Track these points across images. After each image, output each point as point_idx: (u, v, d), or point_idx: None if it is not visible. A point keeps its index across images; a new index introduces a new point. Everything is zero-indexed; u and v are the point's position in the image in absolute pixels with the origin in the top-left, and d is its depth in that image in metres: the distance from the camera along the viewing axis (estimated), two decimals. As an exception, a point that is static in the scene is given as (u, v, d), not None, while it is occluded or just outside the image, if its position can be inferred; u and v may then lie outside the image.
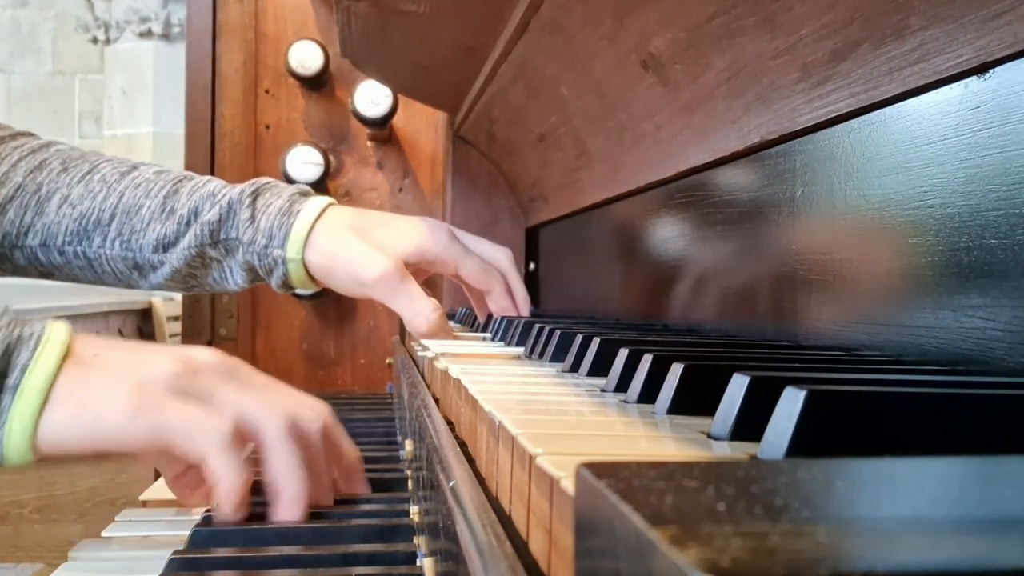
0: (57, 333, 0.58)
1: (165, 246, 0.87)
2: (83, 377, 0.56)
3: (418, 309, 0.82)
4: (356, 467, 0.66)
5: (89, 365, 0.57)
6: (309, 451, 0.60)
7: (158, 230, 0.87)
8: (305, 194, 0.89)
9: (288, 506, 0.58)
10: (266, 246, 0.86)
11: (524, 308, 0.91)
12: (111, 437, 0.55)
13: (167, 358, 0.59)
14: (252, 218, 0.86)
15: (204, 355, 0.61)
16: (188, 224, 0.86)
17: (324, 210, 0.86)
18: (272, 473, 0.58)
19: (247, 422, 0.58)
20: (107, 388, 0.56)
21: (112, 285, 0.93)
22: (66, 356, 0.57)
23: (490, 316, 0.90)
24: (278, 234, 0.85)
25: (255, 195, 0.87)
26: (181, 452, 0.57)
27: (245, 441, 0.57)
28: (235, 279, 0.89)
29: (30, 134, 0.94)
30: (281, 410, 0.59)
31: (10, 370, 0.55)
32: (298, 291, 0.89)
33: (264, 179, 0.90)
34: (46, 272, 0.91)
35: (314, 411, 0.63)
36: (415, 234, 0.87)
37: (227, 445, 0.56)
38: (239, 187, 0.88)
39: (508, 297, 0.89)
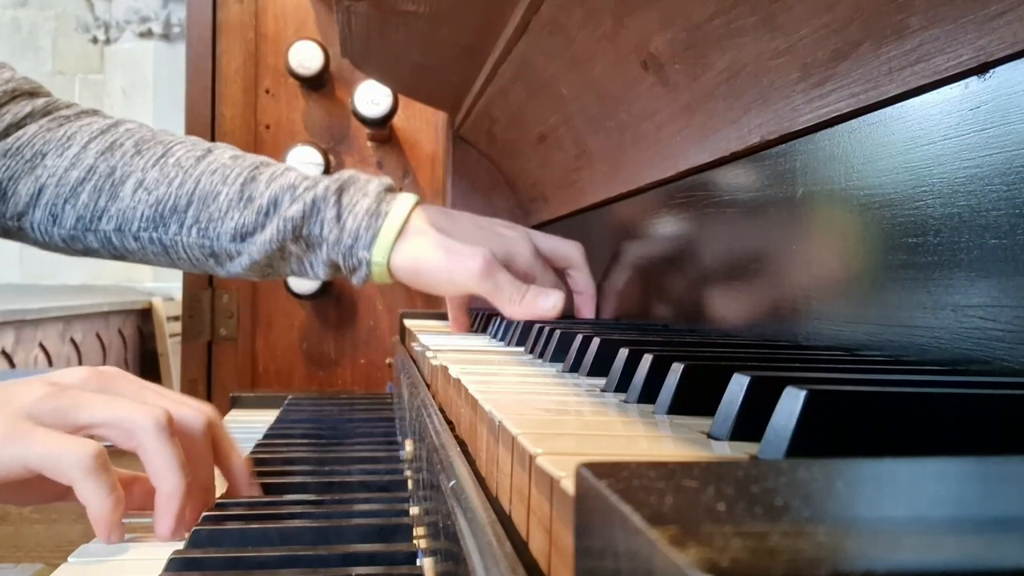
0: None
1: (243, 235, 0.86)
2: None
3: (526, 301, 0.81)
4: (243, 471, 0.66)
5: None
6: (191, 448, 0.60)
7: (236, 219, 0.85)
8: (391, 189, 0.88)
9: (164, 503, 0.58)
10: (352, 246, 0.85)
11: (590, 303, 0.91)
12: None
13: (34, 385, 0.59)
14: (338, 216, 0.85)
15: (72, 374, 0.61)
16: (267, 215, 0.85)
17: (411, 211, 0.85)
18: (149, 471, 0.58)
19: (117, 428, 0.58)
20: None
21: (188, 270, 0.93)
22: None
23: (490, 317, 0.90)
24: (365, 235, 0.84)
25: (340, 192, 0.86)
26: (51, 478, 0.57)
27: (108, 467, 0.57)
28: (316, 271, 0.88)
29: (95, 112, 0.93)
30: (152, 410, 0.58)
31: None
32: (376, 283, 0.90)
33: (348, 172, 0.89)
34: (118, 255, 0.91)
35: (196, 410, 0.63)
36: (504, 242, 0.86)
37: (91, 469, 0.55)
38: (323, 182, 0.86)
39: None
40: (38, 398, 0.58)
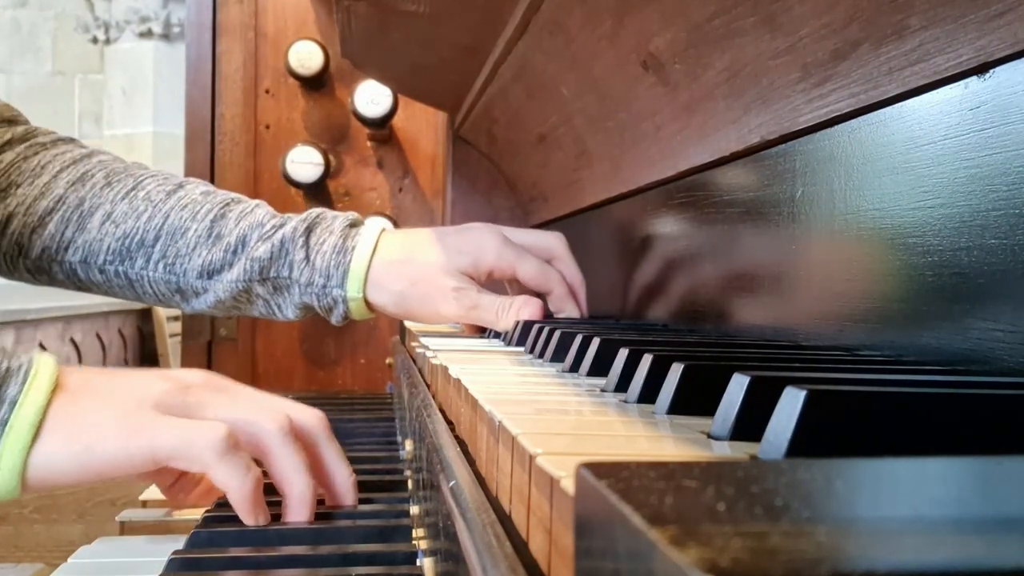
0: (45, 366, 0.56)
1: (210, 273, 0.85)
2: (72, 407, 0.55)
3: (511, 315, 0.81)
4: (353, 483, 0.65)
5: (77, 393, 0.56)
6: (311, 450, 0.61)
7: (204, 256, 0.85)
8: (355, 224, 0.88)
9: (296, 506, 0.58)
10: (324, 286, 0.85)
11: (581, 292, 0.90)
12: (104, 465, 0.55)
13: (155, 379, 0.59)
14: (307, 258, 0.85)
15: (191, 374, 0.61)
16: (235, 253, 0.85)
17: (377, 242, 0.86)
18: (276, 476, 0.58)
19: (244, 431, 0.57)
20: (97, 416, 0.55)
21: (153, 304, 0.92)
22: (55, 388, 0.56)
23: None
24: (336, 273, 0.84)
25: (308, 232, 0.86)
26: (181, 467, 0.56)
27: (240, 445, 0.57)
28: (284, 314, 0.88)
29: (72, 140, 0.92)
30: (276, 413, 0.59)
31: None
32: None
33: (315, 211, 0.89)
34: (83, 287, 0.89)
35: (311, 413, 0.63)
36: (468, 247, 0.86)
37: (225, 451, 0.55)
38: (292, 223, 0.86)
39: (569, 298, 0.88)
40: (163, 391, 0.57)
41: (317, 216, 0.88)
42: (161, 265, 0.85)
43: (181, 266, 0.85)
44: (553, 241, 0.91)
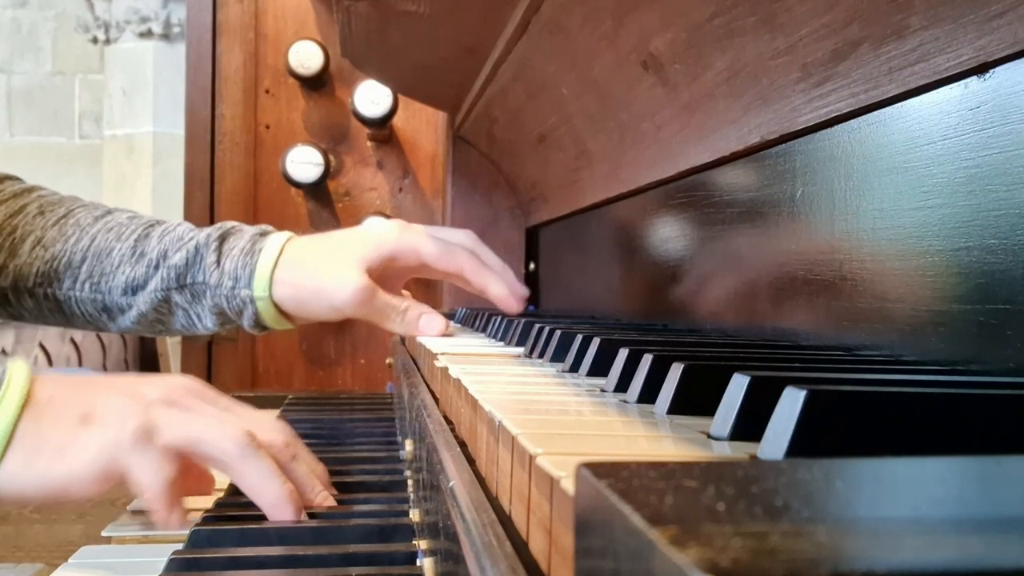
0: (18, 376, 0.57)
1: (134, 289, 0.88)
2: (36, 426, 0.57)
3: (408, 319, 0.83)
4: (325, 480, 0.66)
5: (43, 412, 0.57)
6: (278, 457, 0.60)
7: (127, 273, 0.87)
8: (265, 233, 0.90)
9: (273, 514, 0.58)
10: (232, 287, 0.87)
11: (507, 275, 0.90)
12: (60, 488, 0.56)
13: (118, 398, 0.59)
14: (218, 261, 0.87)
15: (159, 388, 0.61)
16: (156, 267, 0.87)
17: (284, 245, 0.88)
18: (244, 489, 0.58)
19: (197, 449, 0.58)
20: (55, 438, 0.56)
21: (82, 328, 0.94)
22: (25, 403, 0.57)
23: (490, 317, 0.90)
24: (243, 274, 0.86)
25: (221, 239, 0.88)
26: (130, 477, 0.56)
27: (154, 438, 0.57)
28: (204, 324, 0.90)
29: (15, 178, 0.95)
30: (234, 426, 0.59)
31: None
32: (273, 329, 0.90)
33: (230, 223, 0.91)
34: (16, 315, 0.92)
35: (274, 425, 0.63)
36: (369, 236, 0.88)
37: (134, 443, 0.55)
38: (207, 231, 0.89)
39: (486, 271, 0.89)
40: (123, 420, 0.57)
41: (232, 226, 0.91)
42: (87, 285, 0.88)
43: (106, 284, 0.88)
44: (462, 237, 0.93)
